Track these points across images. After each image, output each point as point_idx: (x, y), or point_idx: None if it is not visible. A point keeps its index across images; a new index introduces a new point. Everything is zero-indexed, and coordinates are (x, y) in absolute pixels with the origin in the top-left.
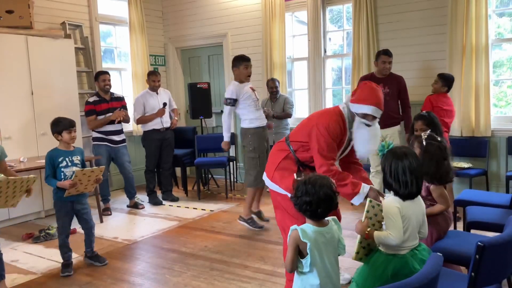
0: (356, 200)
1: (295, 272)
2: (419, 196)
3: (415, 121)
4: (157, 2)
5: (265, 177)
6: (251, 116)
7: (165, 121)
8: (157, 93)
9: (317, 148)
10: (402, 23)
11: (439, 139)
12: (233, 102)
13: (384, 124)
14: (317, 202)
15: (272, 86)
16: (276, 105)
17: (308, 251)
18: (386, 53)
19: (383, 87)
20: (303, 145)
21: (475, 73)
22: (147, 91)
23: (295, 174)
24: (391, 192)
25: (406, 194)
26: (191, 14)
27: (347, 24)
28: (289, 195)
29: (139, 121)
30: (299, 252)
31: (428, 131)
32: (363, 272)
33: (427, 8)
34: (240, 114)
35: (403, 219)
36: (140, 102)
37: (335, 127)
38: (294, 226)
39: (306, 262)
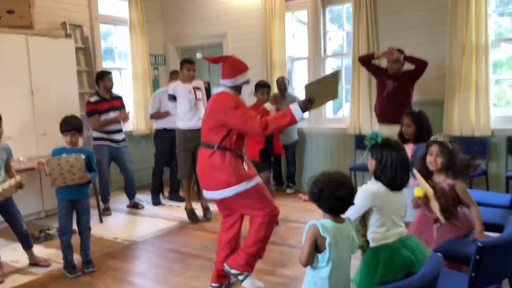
0: (297, 113)
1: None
2: (403, 190)
3: (404, 117)
4: (157, 2)
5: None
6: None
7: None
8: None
9: (239, 121)
10: (402, 23)
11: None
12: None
13: (393, 119)
14: (331, 192)
15: (280, 82)
16: (284, 103)
17: (327, 246)
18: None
19: (393, 82)
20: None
21: (475, 72)
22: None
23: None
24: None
25: (388, 185)
26: (191, 14)
27: (347, 24)
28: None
29: (152, 117)
30: (315, 247)
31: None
32: (359, 271)
33: (427, 8)
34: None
35: (380, 204)
36: (157, 98)
37: (236, 100)
38: (313, 222)
39: (323, 257)
